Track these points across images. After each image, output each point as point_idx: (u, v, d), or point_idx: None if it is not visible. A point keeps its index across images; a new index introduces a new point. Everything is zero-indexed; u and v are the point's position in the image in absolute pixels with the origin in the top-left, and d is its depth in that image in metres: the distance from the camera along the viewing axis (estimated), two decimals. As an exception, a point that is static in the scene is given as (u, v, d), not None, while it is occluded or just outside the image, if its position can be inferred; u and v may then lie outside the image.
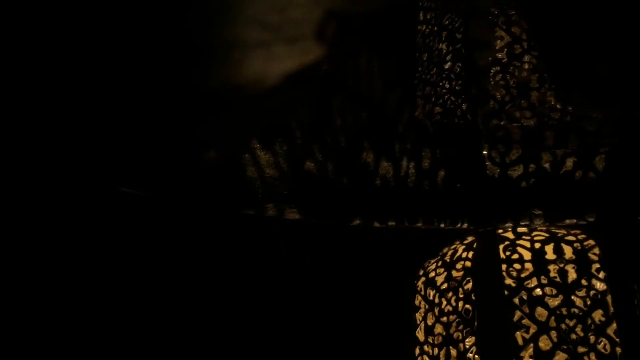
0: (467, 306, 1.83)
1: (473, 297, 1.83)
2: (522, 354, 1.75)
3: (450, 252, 1.96)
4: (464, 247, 1.93)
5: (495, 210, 1.88)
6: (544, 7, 1.96)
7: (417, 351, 1.97)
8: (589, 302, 1.79)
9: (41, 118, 1.86)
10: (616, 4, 1.95)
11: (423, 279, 1.99)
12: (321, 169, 1.87)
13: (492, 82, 1.93)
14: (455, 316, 1.86)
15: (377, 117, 1.95)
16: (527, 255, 1.83)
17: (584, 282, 1.80)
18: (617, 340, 1.77)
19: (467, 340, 1.82)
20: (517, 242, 1.85)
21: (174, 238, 2.65)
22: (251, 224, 2.40)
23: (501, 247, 1.85)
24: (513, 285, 1.80)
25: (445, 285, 1.90)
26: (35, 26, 1.87)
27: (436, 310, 1.91)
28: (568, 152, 1.87)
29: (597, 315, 1.79)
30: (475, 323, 1.80)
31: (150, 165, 1.85)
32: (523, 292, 1.79)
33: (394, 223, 1.89)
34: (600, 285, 1.81)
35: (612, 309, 1.79)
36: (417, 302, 2.00)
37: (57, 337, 2.53)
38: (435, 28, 2.07)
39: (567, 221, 1.87)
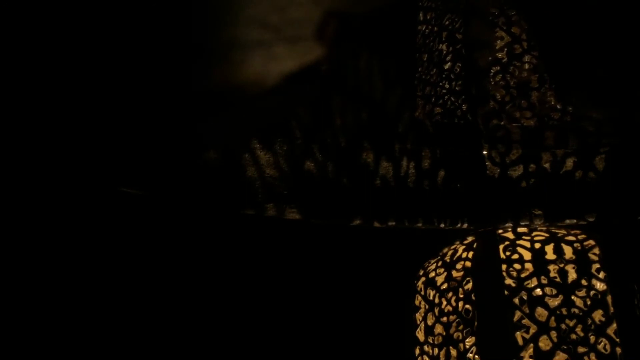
0: (467, 306, 1.83)
1: (473, 297, 1.83)
2: (522, 354, 1.75)
3: (450, 252, 1.96)
4: (464, 247, 1.93)
5: (495, 210, 1.88)
6: (544, 7, 1.96)
7: (417, 351, 1.97)
8: (589, 302, 1.78)
9: (41, 118, 1.86)
10: (616, 4, 1.95)
11: (423, 279, 1.99)
12: (321, 169, 1.87)
13: (492, 82, 1.93)
14: (455, 316, 1.86)
15: (377, 117, 1.95)
16: (527, 255, 1.83)
17: (584, 282, 1.80)
18: (617, 340, 1.77)
19: (467, 340, 1.82)
20: (517, 242, 1.85)
21: (174, 238, 2.65)
22: (251, 224, 2.40)
23: (501, 247, 1.85)
24: (513, 285, 1.80)
25: (445, 286, 1.90)
26: (34, 25, 1.87)
27: (436, 310, 1.91)
28: (568, 152, 1.87)
29: (597, 315, 1.79)
30: (475, 323, 1.80)
31: (150, 165, 1.85)
32: (523, 292, 1.79)
33: (394, 223, 1.89)
34: (600, 285, 1.81)
35: (612, 309, 1.79)
36: (417, 302, 2.00)
37: (57, 337, 2.53)
38: (435, 28, 2.07)
39: (567, 221, 1.87)
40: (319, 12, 1.95)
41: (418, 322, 1.98)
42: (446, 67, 2.01)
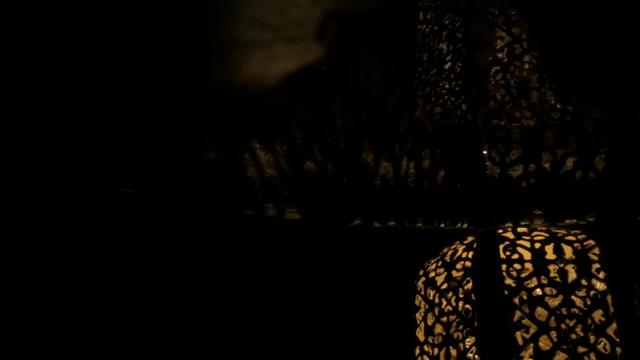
0: (467, 306, 1.83)
1: (473, 297, 1.83)
2: (522, 354, 1.75)
3: (450, 252, 1.96)
4: (464, 247, 1.93)
5: (495, 210, 1.88)
6: (544, 7, 1.96)
7: (417, 351, 1.97)
8: (589, 302, 1.78)
9: (41, 118, 1.86)
10: (616, 4, 1.95)
11: (423, 279, 1.99)
12: (321, 169, 1.87)
13: (492, 82, 1.93)
14: (455, 316, 1.86)
15: (377, 117, 1.95)
16: (527, 255, 1.83)
17: (584, 282, 1.80)
18: (617, 340, 1.77)
19: (467, 340, 1.82)
20: (517, 242, 1.85)
21: (174, 238, 2.65)
22: (251, 224, 2.40)
23: (501, 247, 1.85)
24: (513, 285, 1.80)
25: (445, 285, 1.90)
26: (34, 25, 1.87)
27: (436, 310, 1.91)
28: (568, 152, 1.87)
29: (597, 315, 1.79)
30: (475, 323, 1.80)
31: (149, 165, 1.85)
32: (523, 292, 1.79)
33: (394, 223, 1.89)
34: (600, 285, 1.81)
35: (612, 309, 1.79)
36: (417, 302, 2.00)
37: (57, 337, 2.53)
38: (435, 28, 2.07)
39: (567, 221, 1.87)
40: (319, 12, 1.95)
41: (418, 322, 1.98)
42: (446, 66, 2.01)
